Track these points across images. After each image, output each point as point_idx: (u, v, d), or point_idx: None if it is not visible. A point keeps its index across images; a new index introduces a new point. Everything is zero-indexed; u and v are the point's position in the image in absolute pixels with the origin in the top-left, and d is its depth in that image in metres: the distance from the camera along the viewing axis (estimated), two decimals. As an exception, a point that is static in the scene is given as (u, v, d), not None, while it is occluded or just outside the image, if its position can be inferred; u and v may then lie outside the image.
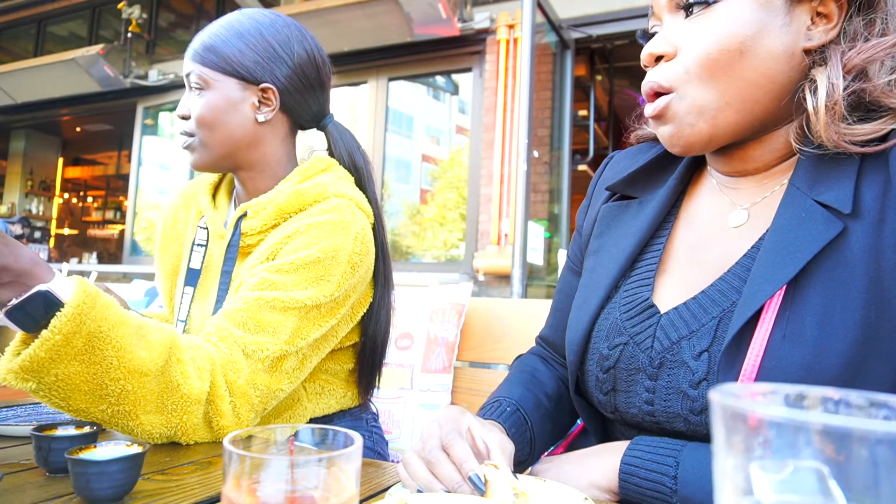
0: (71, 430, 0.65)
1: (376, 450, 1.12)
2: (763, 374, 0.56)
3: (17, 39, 7.20)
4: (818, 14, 0.63)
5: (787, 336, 0.56)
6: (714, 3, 0.62)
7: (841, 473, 0.23)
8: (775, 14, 0.61)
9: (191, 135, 0.97)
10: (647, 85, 0.67)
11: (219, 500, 0.52)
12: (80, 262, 6.57)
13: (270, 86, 0.98)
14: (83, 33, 6.65)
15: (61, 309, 0.62)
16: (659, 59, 0.66)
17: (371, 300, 1.03)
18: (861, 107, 0.60)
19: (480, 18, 4.19)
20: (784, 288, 0.58)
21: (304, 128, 1.09)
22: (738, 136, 0.66)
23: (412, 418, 1.41)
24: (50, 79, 5.84)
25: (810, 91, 0.61)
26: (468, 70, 4.45)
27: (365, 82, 4.76)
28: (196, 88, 0.96)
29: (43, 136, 8.00)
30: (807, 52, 0.63)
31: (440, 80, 4.92)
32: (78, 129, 7.89)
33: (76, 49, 5.63)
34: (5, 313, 0.62)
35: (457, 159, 4.80)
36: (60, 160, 8.37)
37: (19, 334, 0.65)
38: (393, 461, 1.32)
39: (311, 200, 0.94)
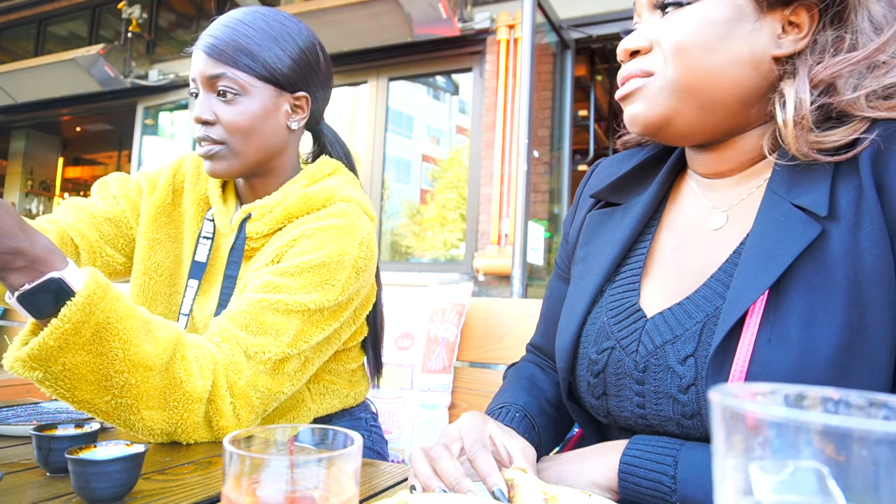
0: (71, 430, 0.65)
1: (375, 449, 1.12)
2: (751, 379, 0.57)
3: (18, 39, 7.20)
4: (790, 23, 0.64)
5: (773, 340, 0.57)
6: (687, 4, 0.65)
7: (841, 473, 0.23)
8: (743, 20, 0.63)
9: (217, 142, 0.92)
10: (625, 71, 0.69)
11: (219, 500, 0.52)
12: (80, 261, 6.56)
13: (305, 94, 0.98)
14: (83, 33, 6.65)
15: (72, 298, 0.63)
16: (634, 53, 0.69)
17: (374, 301, 1.05)
18: (830, 118, 0.61)
19: (480, 18, 4.19)
20: (767, 292, 0.58)
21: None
22: (700, 132, 0.68)
23: (412, 418, 1.41)
24: (50, 79, 5.84)
25: (780, 104, 0.62)
26: (468, 70, 4.45)
27: (365, 82, 4.76)
28: (229, 93, 0.91)
29: (43, 135, 8.00)
30: (777, 60, 0.64)
31: (440, 80, 4.92)
32: (78, 128, 7.89)
33: (76, 49, 5.63)
34: (17, 298, 0.62)
35: (457, 159, 4.81)
36: (60, 160, 8.36)
37: (27, 325, 0.66)
38: (392, 461, 1.32)
39: (319, 204, 0.94)
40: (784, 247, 0.58)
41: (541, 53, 3.93)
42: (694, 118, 0.66)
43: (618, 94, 0.70)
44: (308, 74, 0.98)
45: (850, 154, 0.59)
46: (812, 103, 0.60)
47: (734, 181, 0.71)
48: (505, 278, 3.78)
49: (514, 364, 0.94)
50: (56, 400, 0.99)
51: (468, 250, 4.22)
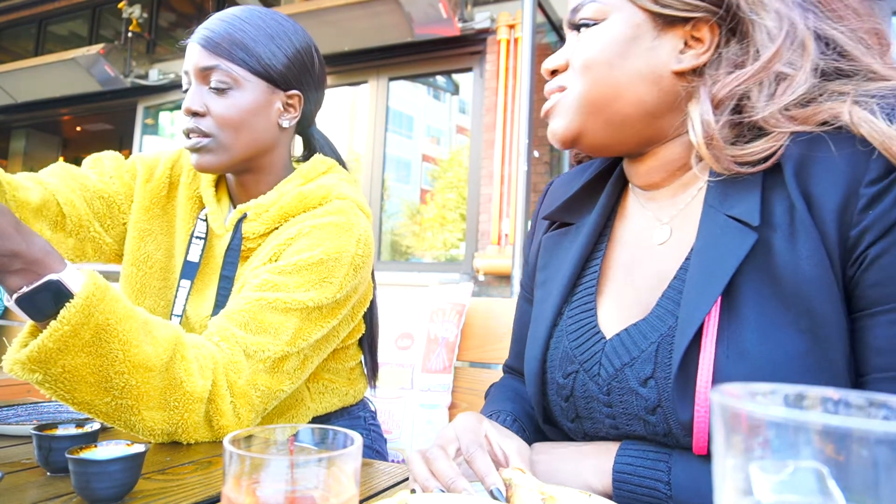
0: (71, 430, 0.65)
1: (374, 448, 1.13)
2: None
3: (18, 39, 7.20)
4: (693, 38, 0.65)
5: (731, 356, 0.57)
6: (594, 24, 0.68)
7: (841, 473, 0.23)
8: (642, 37, 0.65)
9: (206, 135, 0.91)
10: (546, 87, 0.73)
11: (219, 500, 0.52)
12: (80, 260, 6.56)
13: (298, 93, 0.98)
14: (83, 33, 6.64)
15: (71, 300, 0.62)
16: (554, 72, 0.72)
17: (371, 298, 1.05)
18: (751, 129, 0.61)
19: (481, 18, 4.18)
20: (720, 308, 0.58)
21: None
22: (616, 144, 0.70)
23: (412, 418, 1.41)
24: (50, 78, 5.84)
25: (691, 125, 0.63)
26: (468, 70, 4.44)
27: (365, 82, 4.76)
28: (221, 86, 0.90)
29: (43, 135, 8.00)
30: (681, 75, 0.65)
31: (440, 80, 4.92)
32: (78, 128, 7.89)
33: (76, 49, 5.63)
34: (15, 301, 0.62)
35: (457, 159, 4.80)
36: (61, 160, 8.32)
37: (26, 327, 0.65)
38: (392, 460, 1.32)
39: (316, 202, 0.94)
40: (724, 259, 0.58)
41: (541, 53, 3.92)
42: (602, 132, 0.69)
43: (542, 112, 0.74)
44: (302, 74, 0.98)
45: (769, 163, 0.59)
46: (718, 121, 0.61)
47: (670, 191, 0.72)
48: (505, 278, 3.78)
49: (495, 383, 0.95)
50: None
51: (468, 250, 4.22)
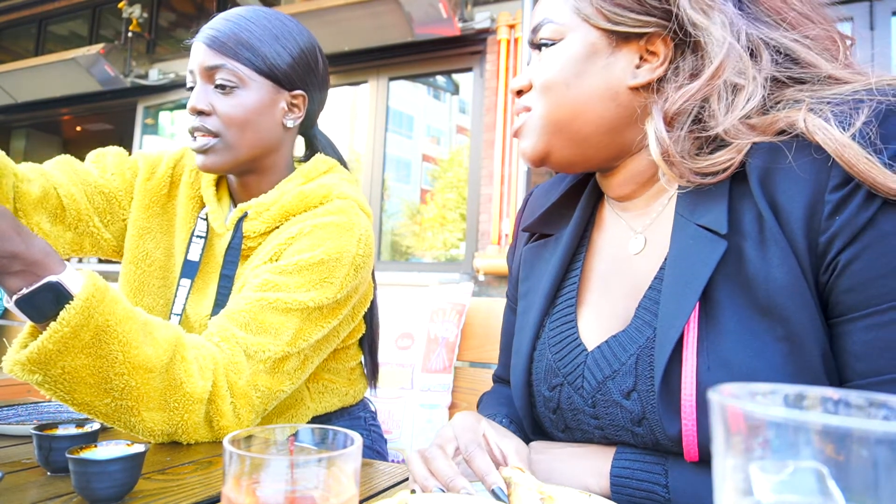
0: (72, 430, 0.65)
1: (375, 448, 1.13)
2: (703, 409, 0.56)
3: (18, 39, 7.20)
4: (649, 52, 0.66)
5: (712, 367, 0.57)
6: (552, 44, 0.68)
7: (841, 473, 0.23)
8: (597, 55, 0.66)
9: (213, 134, 0.92)
10: (513, 108, 0.74)
11: (219, 500, 0.52)
12: (80, 261, 6.57)
13: (302, 93, 0.98)
14: (84, 33, 6.65)
15: (70, 301, 0.62)
16: (520, 92, 0.73)
17: (372, 298, 1.05)
18: (713, 140, 0.61)
19: (481, 18, 4.18)
20: (697, 319, 0.58)
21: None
22: (583, 161, 0.71)
23: (412, 418, 1.41)
24: (50, 78, 5.84)
25: (649, 142, 0.64)
26: (469, 70, 4.44)
27: (365, 82, 4.76)
28: (227, 85, 0.91)
29: (43, 135, 8.00)
30: (636, 90, 0.66)
31: (440, 79, 4.92)
32: (78, 128, 7.89)
33: (77, 48, 5.63)
34: (15, 302, 0.62)
35: (457, 159, 4.80)
36: (61, 159, 8.34)
37: (26, 327, 0.65)
38: (392, 461, 1.32)
39: (316, 202, 0.94)
40: (697, 269, 0.59)
41: (541, 53, 3.92)
42: (568, 150, 0.70)
43: (512, 132, 0.75)
44: (306, 74, 0.98)
45: (729, 172, 0.59)
46: (673, 137, 0.61)
47: (642, 202, 0.72)
48: (505, 278, 3.78)
49: (486, 392, 0.95)
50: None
51: (468, 250, 4.22)
